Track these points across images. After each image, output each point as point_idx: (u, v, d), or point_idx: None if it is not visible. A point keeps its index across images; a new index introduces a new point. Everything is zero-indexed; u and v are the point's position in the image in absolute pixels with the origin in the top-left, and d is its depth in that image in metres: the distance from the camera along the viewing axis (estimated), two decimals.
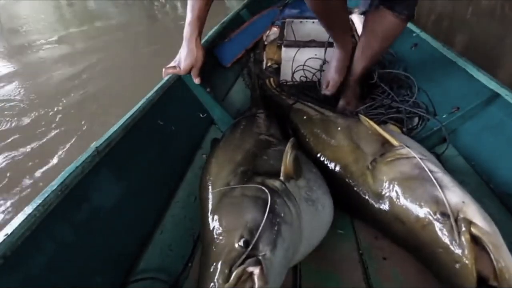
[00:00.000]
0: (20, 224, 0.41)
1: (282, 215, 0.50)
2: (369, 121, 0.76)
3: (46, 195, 0.46)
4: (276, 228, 0.48)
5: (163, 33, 3.40)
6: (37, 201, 0.45)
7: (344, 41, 1.08)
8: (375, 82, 1.11)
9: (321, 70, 1.26)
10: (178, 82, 0.89)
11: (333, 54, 1.12)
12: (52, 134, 1.74)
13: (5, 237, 0.40)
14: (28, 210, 0.43)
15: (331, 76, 1.12)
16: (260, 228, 0.46)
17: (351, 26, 1.15)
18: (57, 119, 1.86)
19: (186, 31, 0.97)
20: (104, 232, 0.53)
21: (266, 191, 0.52)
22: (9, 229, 0.41)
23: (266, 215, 0.49)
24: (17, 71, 2.55)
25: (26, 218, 0.42)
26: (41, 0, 5.07)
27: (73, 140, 1.69)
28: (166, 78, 0.85)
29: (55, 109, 1.95)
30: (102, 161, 0.56)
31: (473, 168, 0.76)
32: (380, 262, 0.63)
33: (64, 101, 2.03)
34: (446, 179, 0.58)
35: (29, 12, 4.61)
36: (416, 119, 0.97)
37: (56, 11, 4.73)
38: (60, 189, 0.47)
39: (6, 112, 1.95)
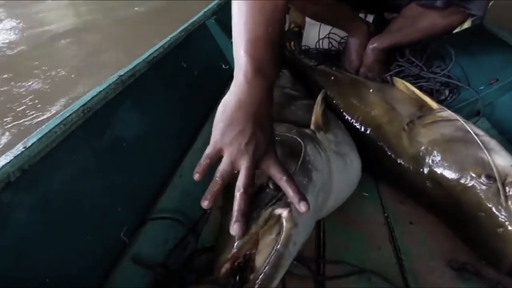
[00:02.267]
0: (39, 139, 0.37)
1: (314, 161, 0.47)
2: (405, 82, 0.71)
3: (68, 114, 0.41)
4: (307, 173, 0.44)
5: None
6: (59, 119, 0.40)
7: (353, 30, 1.04)
8: (404, 51, 1.06)
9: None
10: (202, 27, 0.83)
11: (348, 42, 1.08)
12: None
13: (23, 149, 0.36)
14: (49, 126, 0.39)
15: (349, 60, 1.07)
16: (296, 168, 0.42)
17: (354, 14, 1.05)
18: None
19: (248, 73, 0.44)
20: (125, 164, 0.50)
21: (298, 139, 0.48)
22: (28, 142, 0.37)
23: (301, 159, 0.45)
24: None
25: (46, 134, 0.38)
26: None
27: None
28: (188, 22, 0.79)
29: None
30: (126, 90, 0.52)
31: (508, 142, 0.72)
32: (406, 226, 0.60)
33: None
34: (492, 142, 0.54)
35: None
36: (447, 92, 0.92)
37: None
38: (83, 111, 0.43)
39: None
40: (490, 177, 0.49)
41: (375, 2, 1.07)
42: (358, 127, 0.71)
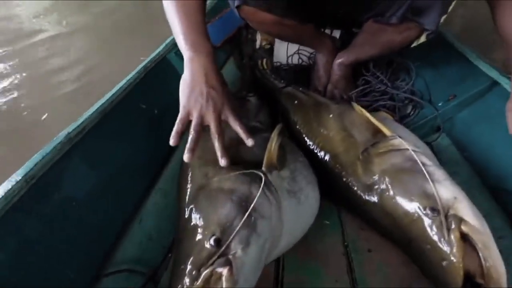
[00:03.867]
0: None
1: (260, 209, 0.47)
2: (362, 109, 0.73)
3: (9, 186, 0.42)
4: (251, 224, 0.45)
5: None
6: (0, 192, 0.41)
7: (320, 47, 1.07)
8: (368, 66, 1.08)
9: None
10: (163, 62, 0.84)
11: (315, 58, 1.11)
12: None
13: None
14: None
15: (318, 76, 1.09)
16: (238, 227, 0.43)
17: (319, 32, 1.08)
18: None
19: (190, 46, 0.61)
20: (76, 223, 0.50)
21: (246, 187, 0.50)
22: None
23: (248, 211, 0.46)
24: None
25: None
26: None
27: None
28: (147, 59, 0.80)
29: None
30: (74, 148, 0.52)
31: (465, 159, 0.74)
32: (365, 254, 0.62)
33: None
34: (438, 172, 0.56)
35: None
36: (410, 107, 0.94)
37: None
38: (25, 180, 0.44)
39: None
40: (434, 209, 0.51)
41: (337, 20, 1.09)
42: (318, 154, 0.72)
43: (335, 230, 0.65)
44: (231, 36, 1.26)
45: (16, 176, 0.44)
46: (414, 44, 0.85)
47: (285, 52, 1.31)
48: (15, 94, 1.77)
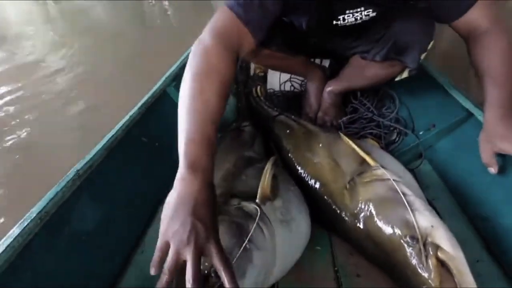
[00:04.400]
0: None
1: (257, 241, 0.52)
2: (348, 140, 0.78)
3: (25, 224, 0.46)
4: (247, 256, 0.49)
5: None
6: (16, 231, 0.45)
7: (310, 76, 1.15)
8: (356, 94, 1.15)
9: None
10: (163, 95, 0.90)
11: (306, 86, 1.19)
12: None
13: None
14: (6, 242, 0.44)
15: (309, 103, 1.16)
16: (235, 258, 0.48)
17: (308, 62, 1.15)
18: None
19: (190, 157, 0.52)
20: (85, 255, 0.54)
21: (242, 221, 0.54)
22: None
23: (244, 244, 0.51)
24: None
25: (4, 250, 0.43)
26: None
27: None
28: (148, 94, 0.85)
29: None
30: (83, 184, 0.57)
31: (445, 185, 0.79)
32: (353, 279, 0.66)
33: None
34: (418, 202, 0.61)
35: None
36: (395, 134, 1.00)
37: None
38: (40, 217, 0.48)
39: None
40: (413, 237, 0.56)
41: (325, 53, 1.16)
42: (309, 182, 0.77)
43: (326, 256, 0.70)
44: None
45: (31, 214, 0.48)
46: (398, 79, 0.92)
47: (278, 79, 1.38)
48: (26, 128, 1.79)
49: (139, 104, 0.80)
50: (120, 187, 0.66)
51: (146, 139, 0.77)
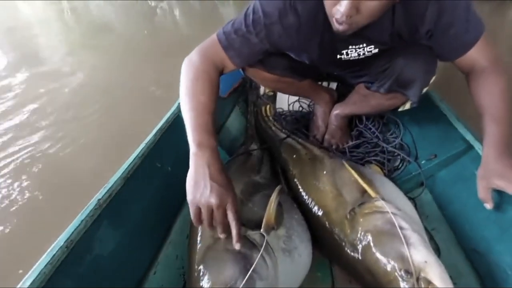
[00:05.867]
0: (33, 282, 0.48)
1: (259, 271, 0.56)
2: (351, 170, 0.82)
3: (54, 252, 0.52)
4: (251, 285, 0.54)
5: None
6: (46, 258, 0.51)
7: (317, 99, 1.20)
8: (362, 118, 1.19)
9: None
10: (176, 120, 0.95)
11: (313, 109, 1.25)
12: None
13: None
14: (38, 268, 0.49)
15: (316, 125, 1.22)
16: (242, 283, 0.52)
17: (316, 85, 1.19)
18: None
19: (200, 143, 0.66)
20: (104, 278, 0.60)
21: (248, 252, 0.59)
22: (24, 285, 0.47)
23: (245, 278, 0.55)
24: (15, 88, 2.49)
25: (37, 277, 0.48)
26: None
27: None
28: (164, 119, 0.91)
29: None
30: (103, 212, 0.62)
31: (444, 217, 0.82)
32: None
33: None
34: (414, 237, 0.64)
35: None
36: (398, 160, 1.03)
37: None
38: (66, 246, 0.54)
39: None
40: (408, 272, 0.59)
41: (332, 77, 1.20)
42: (312, 209, 0.82)
43: (326, 283, 0.73)
44: (236, 87, 1.39)
45: (59, 242, 0.54)
46: (400, 109, 0.96)
47: (287, 99, 1.43)
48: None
49: (154, 131, 0.85)
50: (135, 213, 0.71)
51: (160, 165, 0.82)
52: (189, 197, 0.61)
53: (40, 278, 0.49)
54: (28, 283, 0.48)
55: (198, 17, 4.31)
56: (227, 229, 0.60)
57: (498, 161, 0.69)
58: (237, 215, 0.60)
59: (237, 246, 0.58)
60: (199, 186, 0.60)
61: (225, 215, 0.60)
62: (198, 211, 0.61)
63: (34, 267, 0.50)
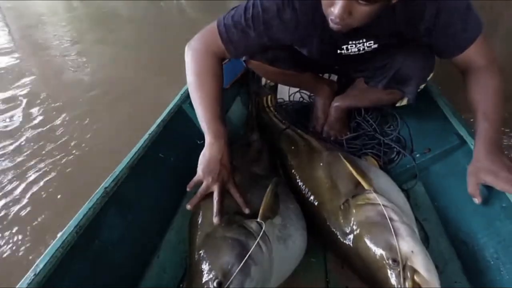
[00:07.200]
0: (45, 265, 0.52)
1: (255, 257, 0.60)
2: (346, 163, 0.85)
3: (65, 237, 0.56)
4: (246, 270, 0.58)
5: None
6: (57, 243, 0.55)
7: (318, 91, 1.21)
8: (361, 110, 1.21)
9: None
10: (179, 111, 0.98)
11: (314, 100, 1.26)
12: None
13: (33, 276, 0.50)
14: (50, 251, 0.54)
15: (316, 117, 1.23)
16: (235, 273, 0.56)
17: (317, 77, 1.21)
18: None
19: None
20: (111, 262, 0.64)
21: (244, 238, 0.63)
22: (36, 269, 0.51)
23: (241, 264, 0.59)
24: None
25: (49, 260, 0.53)
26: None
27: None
28: (165, 112, 0.93)
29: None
30: (110, 200, 0.66)
31: (435, 209, 0.85)
32: None
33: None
34: (402, 228, 0.68)
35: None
36: (395, 152, 1.06)
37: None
38: (76, 231, 0.58)
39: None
40: (395, 260, 0.63)
41: (333, 71, 1.22)
42: (308, 199, 0.85)
43: (319, 268, 0.78)
44: (238, 78, 1.40)
45: (69, 228, 0.58)
46: (398, 105, 0.98)
47: (288, 90, 1.45)
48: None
49: (157, 122, 0.88)
50: (140, 200, 0.75)
51: (163, 155, 0.86)
52: (199, 171, 0.71)
53: (52, 261, 0.53)
54: (41, 266, 0.52)
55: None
56: (221, 210, 0.67)
57: (488, 157, 0.72)
58: (238, 189, 0.72)
59: (246, 211, 0.69)
60: (209, 166, 0.71)
61: (222, 191, 0.69)
62: (199, 181, 0.71)
63: (46, 251, 0.54)
